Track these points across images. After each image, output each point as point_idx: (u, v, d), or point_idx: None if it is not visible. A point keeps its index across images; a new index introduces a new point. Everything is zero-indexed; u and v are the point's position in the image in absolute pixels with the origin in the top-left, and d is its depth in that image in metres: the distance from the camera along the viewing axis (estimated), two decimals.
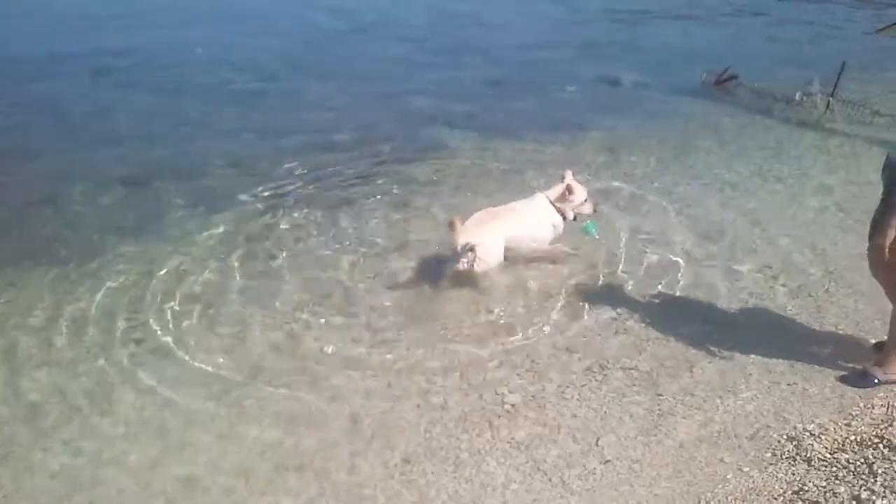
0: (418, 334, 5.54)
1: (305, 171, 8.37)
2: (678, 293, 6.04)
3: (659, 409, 4.70)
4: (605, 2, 18.10)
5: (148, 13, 16.75)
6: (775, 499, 3.97)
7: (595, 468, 4.25)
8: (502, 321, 5.70)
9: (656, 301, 5.94)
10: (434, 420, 4.68)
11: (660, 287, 6.13)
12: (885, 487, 3.95)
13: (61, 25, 15.81)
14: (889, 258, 4.36)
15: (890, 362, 4.83)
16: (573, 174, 6.39)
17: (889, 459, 4.16)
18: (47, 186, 8.05)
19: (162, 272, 6.34)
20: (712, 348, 5.27)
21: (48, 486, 4.26)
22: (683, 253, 6.59)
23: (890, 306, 4.80)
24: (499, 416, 4.68)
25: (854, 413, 4.61)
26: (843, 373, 4.96)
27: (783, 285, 6.10)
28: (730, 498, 4.00)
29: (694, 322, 5.59)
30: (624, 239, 6.71)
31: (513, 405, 4.79)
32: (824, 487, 4.00)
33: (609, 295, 5.98)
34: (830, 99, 10.14)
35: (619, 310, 5.78)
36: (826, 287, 6.05)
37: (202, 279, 6.26)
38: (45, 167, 8.66)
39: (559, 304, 5.88)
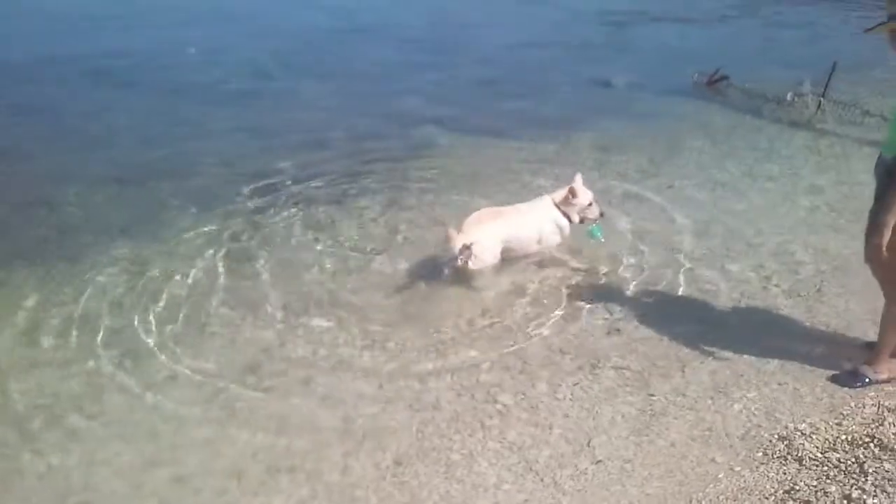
0: (410, 335, 5.53)
1: (297, 171, 8.36)
2: (670, 293, 6.05)
3: (651, 409, 4.70)
4: (597, 3, 18.11)
5: (143, 14, 16.75)
6: (767, 498, 3.97)
7: (587, 468, 4.24)
8: (494, 322, 5.70)
9: (648, 301, 5.94)
10: (426, 421, 4.67)
11: (652, 287, 6.14)
12: (875, 486, 3.96)
13: (56, 26, 15.80)
14: (887, 257, 4.37)
15: (880, 362, 4.84)
16: (582, 178, 6.40)
17: (880, 458, 4.17)
18: (40, 187, 8.03)
19: (154, 273, 6.32)
20: (704, 348, 5.27)
21: (38, 487, 4.23)
22: (675, 252, 6.60)
23: (881, 306, 4.81)
24: (491, 417, 4.68)
25: (845, 412, 4.62)
26: (834, 372, 4.96)
27: (775, 285, 6.11)
28: (721, 497, 4.00)
29: (685, 322, 5.59)
30: (616, 239, 6.70)
31: (505, 405, 4.78)
32: (815, 487, 4.01)
33: (601, 295, 5.99)
34: (821, 99, 10.18)
35: (610, 310, 5.79)
36: (817, 287, 6.07)
37: (194, 280, 6.24)
38: (38, 168, 8.63)
39: (551, 304, 5.88)
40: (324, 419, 4.70)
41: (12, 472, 4.34)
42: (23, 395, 4.95)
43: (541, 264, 6.35)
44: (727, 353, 5.22)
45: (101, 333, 5.55)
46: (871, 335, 5.09)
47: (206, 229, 7.06)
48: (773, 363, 5.10)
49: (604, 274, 6.34)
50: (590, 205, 6.38)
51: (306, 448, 4.46)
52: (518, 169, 8.50)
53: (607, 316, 5.72)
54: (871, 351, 4.95)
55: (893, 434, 4.37)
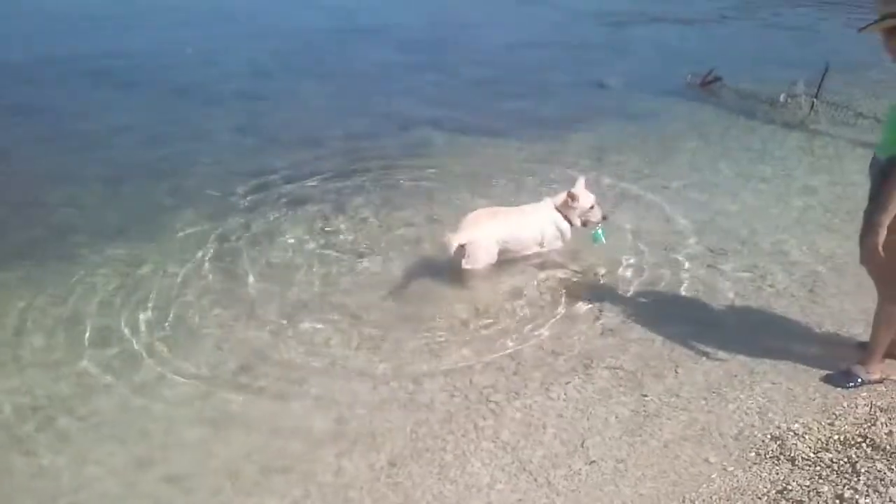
0: (404, 335, 5.53)
1: (292, 171, 8.34)
2: (663, 293, 6.06)
3: (644, 410, 4.71)
4: (593, 4, 18.13)
5: (142, 14, 16.71)
6: (759, 498, 3.98)
7: (581, 468, 4.25)
8: (488, 322, 5.70)
9: (641, 301, 5.95)
10: (420, 422, 4.66)
11: (645, 287, 6.15)
12: (868, 486, 3.96)
13: (54, 26, 15.75)
14: (883, 257, 4.38)
15: (873, 362, 4.85)
16: (584, 181, 6.42)
17: (872, 458, 4.18)
18: (34, 187, 8.01)
19: (147, 273, 6.31)
20: (697, 348, 5.28)
21: (31, 488, 4.22)
22: (669, 252, 6.61)
23: (873, 306, 4.82)
24: (484, 418, 4.68)
25: (838, 413, 4.63)
26: (827, 372, 4.97)
27: (769, 285, 6.13)
28: (714, 497, 4.01)
29: (679, 322, 5.60)
30: (610, 239, 6.71)
31: (498, 406, 4.78)
32: (808, 486, 4.02)
33: (594, 295, 6.00)
34: (814, 100, 10.19)
35: (603, 310, 5.80)
36: (811, 287, 6.08)
37: (187, 280, 6.23)
38: (32, 167, 8.61)
39: (544, 305, 5.89)
40: (317, 420, 4.70)
41: (3, 472, 4.33)
42: (14, 395, 4.93)
43: (534, 265, 6.35)
44: (720, 354, 5.23)
45: (93, 333, 5.54)
46: (864, 335, 5.10)
47: (200, 229, 7.05)
48: (766, 363, 5.11)
49: (597, 274, 6.35)
50: (592, 208, 6.37)
51: (300, 449, 4.46)
52: (514, 169, 8.50)
53: (600, 316, 5.73)
54: (863, 351, 4.96)
55: (885, 434, 4.37)
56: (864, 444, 4.31)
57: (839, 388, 4.84)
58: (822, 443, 4.36)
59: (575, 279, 6.25)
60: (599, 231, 6.44)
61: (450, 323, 5.69)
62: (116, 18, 16.27)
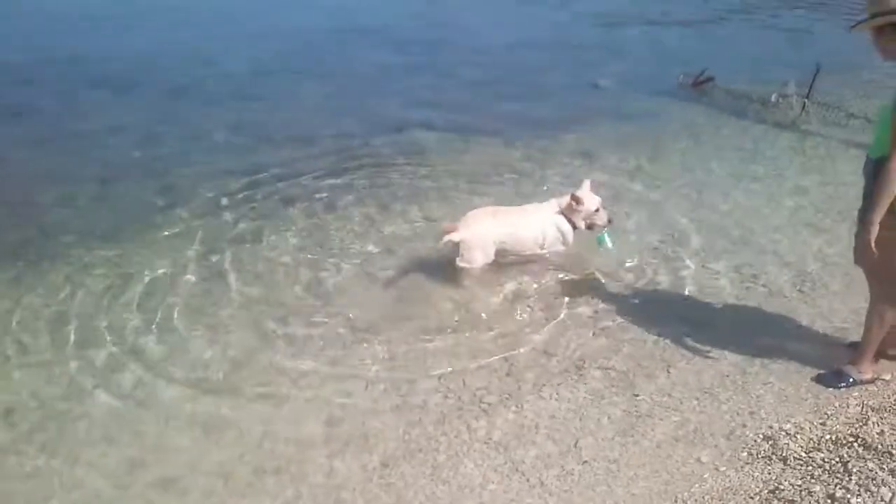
0: (397, 336, 5.52)
1: (286, 171, 8.33)
2: (655, 293, 6.08)
3: (636, 410, 4.72)
4: (587, 5, 18.14)
5: (137, 14, 16.60)
6: (752, 498, 3.99)
7: (573, 468, 4.26)
8: (481, 323, 5.70)
9: (634, 301, 5.96)
10: (412, 422, 4.67)
11: (637, 287, 6.16)
12: (859, 486, 3.98)
13: (52, 26, 15.64)
14: (877, 256, 4.40)
15: (864, 362, 4.87)
16: (590, 183, 6.37)
17: (864, 458, 4.20)
18: (25, 188, 7.97)
19: (138, 274, 6.28)
20: (689, 348, 5.30)
21: (24, 489, 4.22)
22: (660, 253, 6.62)
23: (865, 306, 4.84)
24: (477, 418, 4.68)
25: (829, 412, 4.65)
26: (818, 372, 4.99)
27: (761, 285, 6.15)
28: (706, 497, 4.02)
29: (671, 322, 5.61)
30: (602, 239, 6.72)
31: (491, 405, 4.79)
32: (800, 486, 4.03)
33: (586, 295, 6.00)
34: (806, 101, 10.22)
35: (596, 310, 5.81)
36: (801, 287, 6.10)
37: (178, 281, 6.22)
38: (24, 169, 8.56)
39: (537, 305, 5.89)
40: (309, 421, 4.70)
41: None
42: (6, 395, 4.93)
43: (530, 266, 6.34)
44: (712, 354, 5.25)
45: (85, 334, 5.52)
46: (855, 335, 5.12)
47: (192, 229, 7.03)
48: (758, 363, 5.13)
49: (589, 274, 6.36)
50: (597, 211, 6.28)
51: (292, 450, 4.46)
52: (509, 169, 8.50)
53: (592, 316, 5.74)
54: (855, 351, 4.98)
55: (877, 434, 4.40)
56: (855, 444, 4.33)
57: (831, 388, 4.86)
58: (814, 442, 4.38)
59: (567, 280, 6.24)
60: (605, 235, 6.37)
61: (442, 324, 5.69)
62: (116, 18, 16.20)
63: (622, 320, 5.68)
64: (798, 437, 4.43)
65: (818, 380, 4.94)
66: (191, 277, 6.28)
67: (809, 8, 17.86)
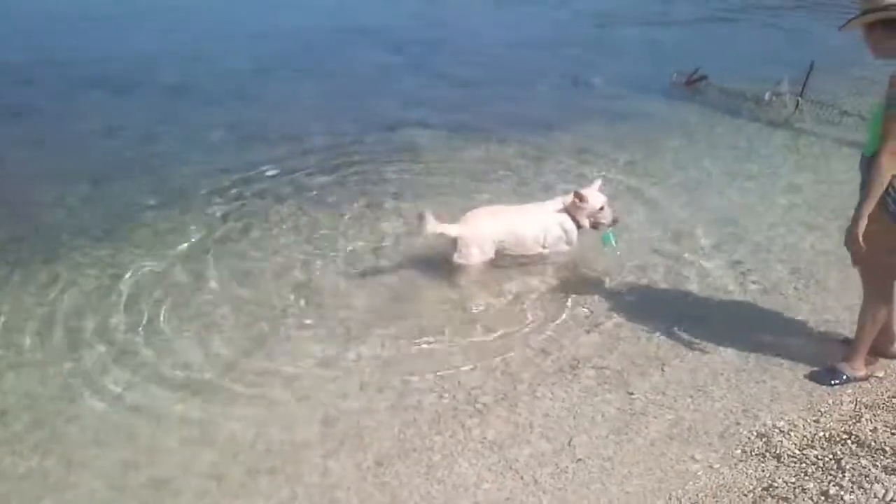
0: (391, 335, 5.52)
1: (277, 172, 8.32)
2: (649, 291, 6.09)
3: (630, 408, 4.72)
4: (583, 5, 18.14)
5: (137, 14, 16.55)
6: (745, 495, 4.00)
7: (567, 466, 4.26)
8: (476, 321, 5.71)
9: (628, 299, 5.97)
10: (407, 421, 4.66)
11: (631, 285, 6.17)
12: (852, 483, 3.99)
13: (48, 26, 15.59)
14: (868, 250, 4.43)
15: (858, 359, 4.88)
16: (600, 182, 6.38)
17: (857, 455, 4.21)
18: (20, 188, 7.94)
19: (130, 273, 6.26)
20: (683, 346, 5.31)
21: (18, 489, 4.21)
22: (654, 250, 6.63)
23: (858, 303, 4.86)
24: (471, 417, 4.68)
25: (823, 409, 4.66)
26: (812, 370, 5.00)
27: (754, 282, 6.16)
28: (700, 495, 4.02)
29: (665, 320, 5.62)
30: (596, 237, 6.71)
31: (485, 405, 4.79)
32: (794, 483, 4.04)
33: (581, 294, 6.00)
34: (799, 99, 10.23)
35: (590, 308, 5.81)
36: (795, 284, 6.12)
37: (170, 281, 6.20)
38: (19, 169, 8.53)
39: (531, 304, 5.89)
40: (304, 420, 4.69)
41: None
42: (1, 395, 4.91)
43: (523, 264, 6.33)
44: (706, 351, 5.26)
45: (79, 334, 5.51)
46: (849, 332, 5.13)
47: (184, 228, 7.01)
48: (752, 361, 5.14)
49: (584, 272, 6.36)
50: (601, 209, 6.24)
51: (286, 449, 4.45)
52: (502, 168, 8.50)
53: (587, 315, 5.74)
54: (848, 348, 4.99)
55: (870, 431, 4.41)
56: (849, 441, 4.34)
57: (824, 385, 4.87)
58: (808, 440, 4.38)
59: (562, 278, 6.25)
60: (610, 233, 6.33)
61: (437, 323, 5.68)
62: (116, 18, 16.11)
63: (616, 318, 5.68)
64: (792, 434, 4.44)
65: (812, 377, 4.95)
66: (183, 277, 6.26)
67: (803, 7, 17.88)
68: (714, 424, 4.56)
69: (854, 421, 4.52)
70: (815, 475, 4.09)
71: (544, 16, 17.37)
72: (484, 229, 6.08)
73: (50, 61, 12.86)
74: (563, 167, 8.49)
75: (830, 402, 4.73)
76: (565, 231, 6.27)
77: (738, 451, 4.33)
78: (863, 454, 4.21)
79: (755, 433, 4.47)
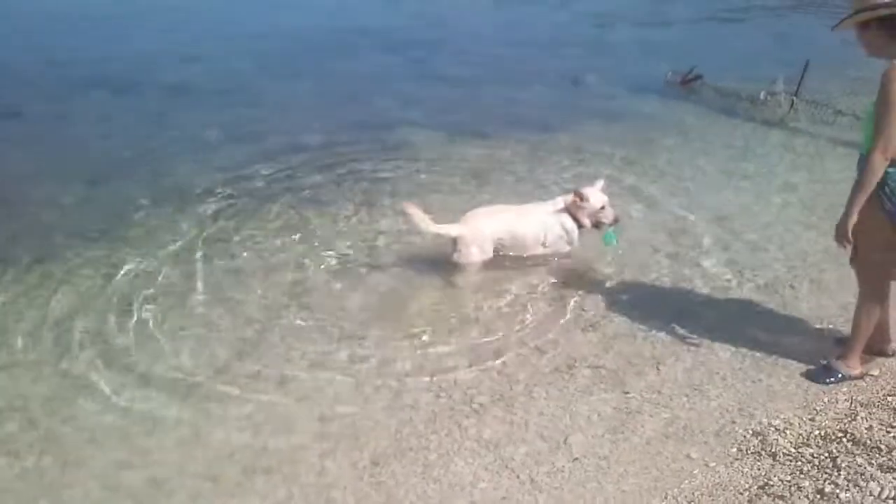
0: (387, 334, 5.52)
1: (271, 171, 8.32)
2: (645, 290, 6.09)
3: (626, 407, 4.72)
4: (583, 5, 18.17)
5: (137, 14, 16.56)
6: (741, 493, 4.00)
7: (563, 465, 4.25)
8: (472, 320, 5.71)
9: (623, 298, 5.97)
10: (403, 421, 4.65)
11: (627, 284, 6.18)
12: (848, 481, 3.99)
13: (47, 26, 15.59)
14: (863, 246, 4.47)
15: (853, 357, 4.89)
16: (603, 182, 6.38)
17: (852, 453, 4.21)
18: (15, 188, 7.92)
19: (125, 274, 6.25)
20: (678, 345, 5.31)
21: (13, 489, 4.19)
22: (650, 250, 6.64)
23: (853, 302, 4.87)
24: (468, 417, 4.67)
25: (818, 408, 4.66)
26: (807, 368, 5.01)
27: (749, 281, 6.17)
28: (696, 493, 4.02)
29: (660, 319, 5.62)
30: (591, 236, 6.70)
31: (482, 405, 4.78)
32: (789, 482, 4.04)
33: (577, 293, 6.01)
34: (794, 98, 10.26)
35: (586, 308, 5.82)
36: (791, 283, 6.13)
37: (165, 281, 6.19)
38: (14, 169, 8.50)
39: (527, 302, 5.89)
40: (300, 420, 4.68)
41: None
42: None
43: (520, 264, 6.33)
44: (702, 350, 5.26)
45: (73, 334, 5.49)
46: (844, 331, 5.14)
47: (179, 229, 7.00)
48: (748, 359, 5.15)
49: (579, 272, 6.37)
50: (602, 208, 6.21)
51: (282, 449, 4.44)
52: (498, 167, 8.52)
53: (583, 314, 5.74)
54: (843, 346, 4.99)
55: (866, 429, 4.41)
56: (844, 439, 4.34)
57: (820, 384, 4.87)
58: (803, 438, 4.39)
59: (558, 277, 6.24)
60: (611, 233, 6.32)
61: (433, 321, 5.68)
62: (115, 19, 16.13)
63: (612, 317, 5.69)
64: (787, 432, 4.44)
65: (807, 375, 4.95)
66: (178, 278, 6.25)
67: (797, 7, 17.92)
68: (710, 423, 4.57)
69: (849, 419, 4.53)
70: (810, 473, 4.09)
71: (543, 16, 17.41)
72: (483, 229, 6.08)
73: (49, 61, 12.87)
74: (560, 166, 8.51)
75: (826, 400, 4.73)
76: (566, 231, 6.27)
77: (734, 450, 4.33)
78: (858, 452, 4.21)
79: (751, 431, 4.47)
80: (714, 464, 4.23)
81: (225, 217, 7.29)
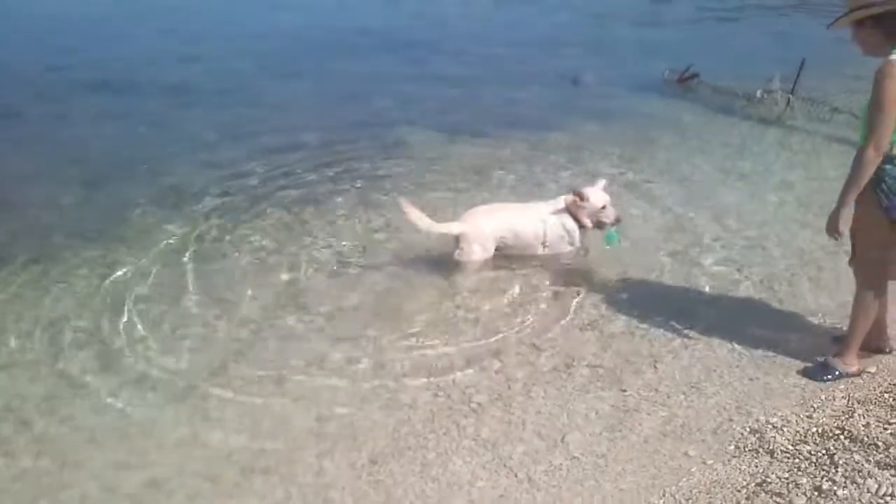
0: (384, 334, 5.51)
1: (268, 171, 8.32)
2: (642, 288, 6.10)
3: (624, 405, 4.72)
4: (576, 5, 18.18)
5: (137, 15, 16.57)
6: (739, 491, 4.00)
7: (561, 464, 4.25)
8: (470, 319, 5.70)
9: (621, 296, 5.97)
10: (401, 420, 4.65)
11: (624, 282, 6.18)
12: (845, 478, 4.00)
13: (48, 27, 15.57)
14: (861, 243, 4.49)
15: (850, 354, 4.90)
16: (605, 182, 6.36)
17: (850, 450, 4.22)
18: (10, 189, 7.90)
19: (123, 274, 6.25)
20: (676, 343, 5.32)
21: (11, 489, 4.18)
22: (647, 248, 6.65)
23: (850, 299, 4.88)
24: (466, 416, 4.67)
25: (815, 405, 4.67)
26: (804, 365, 5.02)
27: (746, 279, 6.19)
28: (694, 491, 4.03)
29: (658, 317, 5.63)
30: (588, 235, 6.71)
31: (479, 404, 4.78)
32: (787, 479, 4.04)
33: (574, 291, 6.01)
34: (790, 96, 10.28)
35: (583, 306, 5.82)
36: (788, 281, 6.14)
37: (164, 281, 6.18)
38: (10, 170, 8.48)
39: (525, 301, 5.90)
40: (298, 420, 4.67)
41: None
42: None
43: (518, 263, 6.32)
44: (699, 348, 5.27)
45: (70, 335, 5.49)
46: (842, 328, 5.14)
47: (176, 230, 6.99)
48: (745, 357, 5.15)
49: (577, 270, 6.36)
50: (603, 208, 6.17)
51: (280, 449, 4.43)
52: (496, 166, 8.52)
53: (580, 312, 5.74)
54: (840, 344, 5.00)
55: (863, 426, 4.41)
56: (841, 436, 4.34)
57: (817, 381, 4.88)
58: (801, 435, 4.39)
59: (555, 276, 6.24)
60: (614, 233, 6.30)
61: (430, 321, 5.68)
62: (115, 19, 16.13)
63: (609, 316, 5.69)
64: (785, 429, 4.44)
65: (804, 373, 4.96)
66: (174, 278, 6.24)
67: (793, 6, 17.93)
68: (707, 421, 4.57)
69: (847, 416, 4.53)
70: (808, 470, 4.10)
71: (543, 16, 17.43)
72: (485, 227, 6.08)
73: (49, 61, 12.89)
74: (558, 165, 8.51)
75: (823, 397, 4.74)
76: (567, 231, 6.24)
77: (732, 447, 4.34)
78: (856, 449, 4.22)
79: (748, 429, 4.48)
80: (712, 461, 4.23)
81: (222, 217, 7.28)
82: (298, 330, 5.58)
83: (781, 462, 4.18)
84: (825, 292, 5.91)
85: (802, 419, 4.53)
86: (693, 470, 4.18)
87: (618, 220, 6.28)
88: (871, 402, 4.66)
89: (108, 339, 5.46)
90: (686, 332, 5.44)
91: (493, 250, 6.17)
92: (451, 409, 4.73)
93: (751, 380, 4.93)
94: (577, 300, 5.90)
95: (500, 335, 5.49)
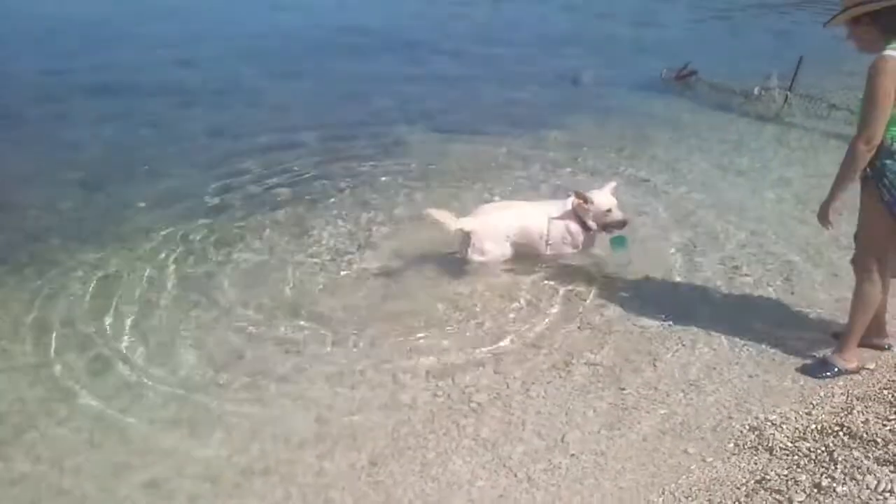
0: (384, 334, 5.51)
1: (266, 171, 8.31)
2: (641, 286, 6.09)
3: (623, 404, 4.73)
4: (575, 4, 18.18)
5: (137, 14, 16.56)
6: (738, 488, 4.01)
7: (560, 463, 4.26)
8: (469, 319, 5.70)
9: (620, 294, 5.97)
10: (401, 421, 4.66)
11: (623, 281, 6.18)
12: (844, 474, 4.00)
13: (47, 26, 15.57)
14: (864, 234, 4.62)
15: (849, 350, 4.90)
16: (614, 185, 6.31)
17: (849, 447, 4.22)
18: (7, 191, 7.90)
19: (121, 277, 6.25)
20: (675, 341, 5.32)
21: (10, 493, 4.19)
22: (646, 246, 6.64)
23: (849, 296, 4.88)
24: (465, 416, 4.68)
25: (814, 402, 4.67)
26: (803, 362, 5.02)
27: (745, 276, 6.18)
28: (694, 488, 4.03)
29: (656, 315, 5.63)
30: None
31: (479, 404, 4.78)
32: (786, 476, 4.05)
33: (572, 290, 6.01)
34: (788, 93, 10.28)
35: (582, 305, 5.82)
36: (786, 277, 6.13)
37: (162, 283, 6.18)
38: (6, 173, 8.48)
39: (524, 301, 5.89)
40: (297, 420, 4.68)
41: None
42: None
43: (517, 262, 6.31)
44: (697, 346, 5.27)
45: (69, 338, 5.49)
46: (840, 325, 5.14)
47: (174, 232, 6.98)
48: (744, 354, 5.16)
49: (576, 269, 6.35)
50: (609, 211, 6.11)
51: (280, 450, 4.44)
52: (494, 166, 8.52)
53: (579, 311, 5.74)
54: (839, 340, 5.00)
55: (862, 422, 4.42)
56: (840, 433, 4.35)
57: (816, 378, 4.88)
58: (800, 432, 4.40)
59: (554, 275, 6.23)
60: (620, 238, 6.19)
61: (429, 321, 5.67)
62: (115, 20, 16.11)
63: (608, 314, 5.70)
64: (784, 427, 4.45)
65: (803, 370, 4.96)
66: (174, 279, 6.24)
67: (791, 3, 17.92)
68: (706, 418, 4.57)
69: (846, 413, 4.54)
70: (807, 467, 4.10)
71: (542, 16, 17.41)
72: (497, 224, 6.07)
73: (47, 63, 12.86)
74: (557, 164, 8.51)
75: (822, 394, 4.74)
76: (570, 232, 6.20)
77: (731, 445, 4.34)
78: (855, 446, 4.23)
79: (747, 426, 4.48)
80: (711, 459, 4.24)
81: (220, 218, 7.29)
82: (297, 330, 5.58)
83: (781, 459, 4.19)
84: (823, 289, 5.91)
85: (801, 416, 4.54)
86: (692, 468, 4.18)
87: (624, 224, 6.18)
88: (870, 399, 4.67)
89: (105, 341, 5.46)
90: (685, 329, 5.44)
91: (505, 246, 6.14)
92: (451, 409, 4.74)
93: (750, 377, 4.94)
94: (574, 299, 5.90)
95: (499, 334, 5.49)
